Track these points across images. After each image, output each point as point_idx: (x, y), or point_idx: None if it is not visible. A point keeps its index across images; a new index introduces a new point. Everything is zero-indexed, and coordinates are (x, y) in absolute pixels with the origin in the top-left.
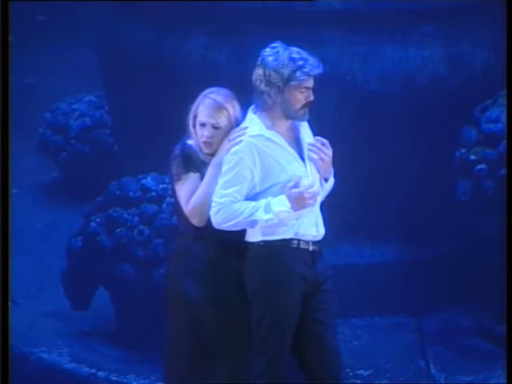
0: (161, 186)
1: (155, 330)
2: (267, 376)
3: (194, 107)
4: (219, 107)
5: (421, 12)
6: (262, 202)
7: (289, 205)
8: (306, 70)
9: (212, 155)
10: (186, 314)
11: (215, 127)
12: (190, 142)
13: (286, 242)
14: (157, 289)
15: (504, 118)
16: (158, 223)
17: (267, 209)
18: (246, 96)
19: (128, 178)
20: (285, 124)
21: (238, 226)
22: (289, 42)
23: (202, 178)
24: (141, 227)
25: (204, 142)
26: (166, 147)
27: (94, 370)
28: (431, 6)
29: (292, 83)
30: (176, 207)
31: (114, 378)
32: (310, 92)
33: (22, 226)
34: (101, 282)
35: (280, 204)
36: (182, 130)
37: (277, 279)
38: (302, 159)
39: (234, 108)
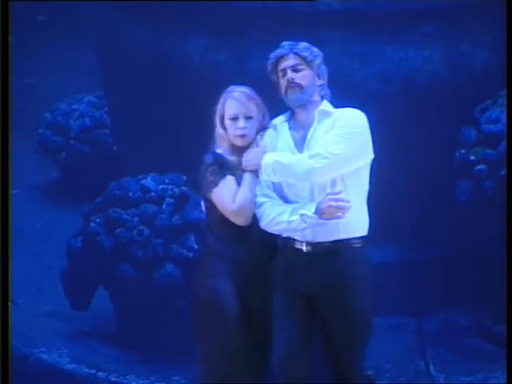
0: (160, 187)
1: (155, 330)
2: None
3: (219, 106)
4: (249, 97)
5: (421, 12)
6: (291, 206)
7: (313, 209)
8: (270, 57)
9: (246, 148)
10: (220, 316)
11: (247, 117)
12: (218, 150)
13: (284, 240)
14: (156, 289)
15: (504, 119)
16: (158, 223)
17: (294, 211)
18: None
19: (128, 179)
20: (301, 118)
21: (270, 227)
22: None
23: (236, 179)
24: (140, 227)
25: (240, 135)
26: (166, 147)
27: (93, 371)
28: (431, 6)
29: (269, 72)
30: (210, 210)
31: (113, 379)
32: (288, 72)
33: (21, 226)
34: (100, 282)
35: (306, 208)
36: (181, 130)
37: (272, 277)
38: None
39: (260, 100)
